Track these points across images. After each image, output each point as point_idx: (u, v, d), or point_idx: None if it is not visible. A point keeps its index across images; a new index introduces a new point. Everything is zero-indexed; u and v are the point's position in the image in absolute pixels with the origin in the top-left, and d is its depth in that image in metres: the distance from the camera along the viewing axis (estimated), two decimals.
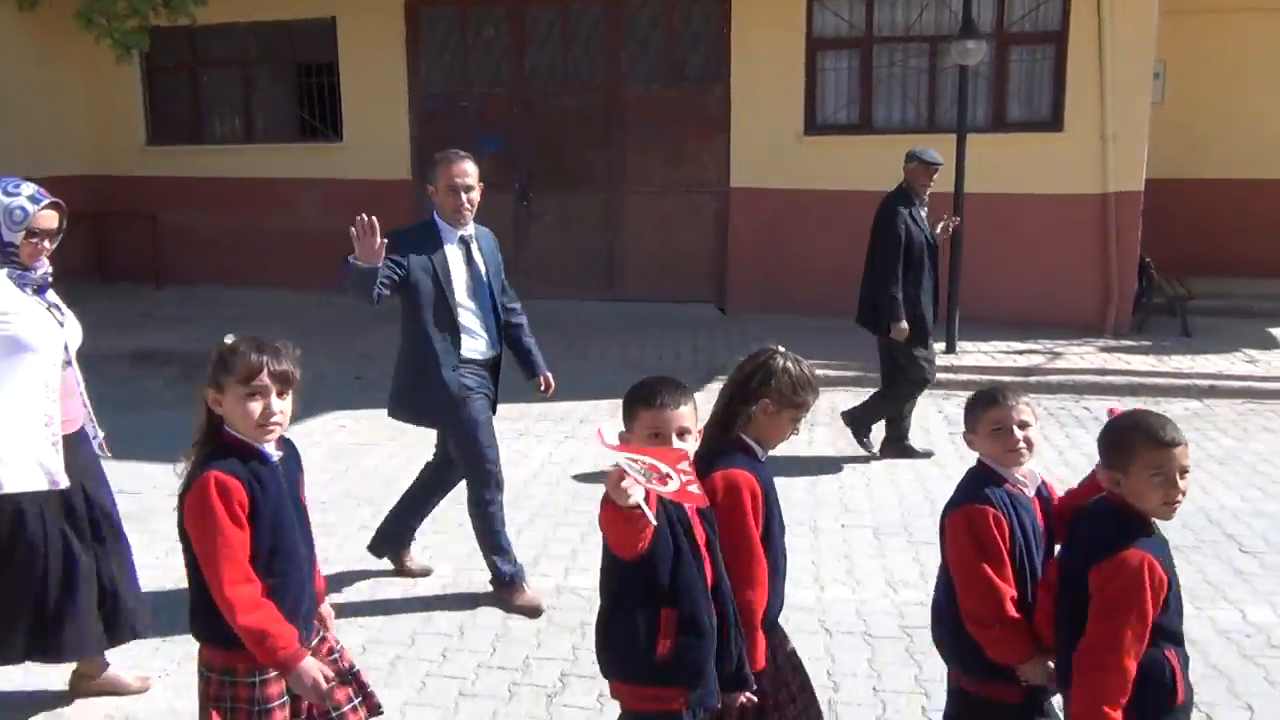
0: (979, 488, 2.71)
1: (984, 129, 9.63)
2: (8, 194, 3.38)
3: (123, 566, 3.70)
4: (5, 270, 3.38)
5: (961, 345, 8.84)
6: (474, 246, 4.43)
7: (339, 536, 5.32)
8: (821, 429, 7.22)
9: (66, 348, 3.53)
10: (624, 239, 10.97)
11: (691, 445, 2.46)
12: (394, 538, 4.84)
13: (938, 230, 6.58)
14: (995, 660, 2.62)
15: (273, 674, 2.50)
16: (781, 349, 2.85)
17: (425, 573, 4.83)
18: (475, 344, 4.39)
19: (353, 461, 6.49)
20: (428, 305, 4.27)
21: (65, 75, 11.72)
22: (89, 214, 11.78)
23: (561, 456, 6.58)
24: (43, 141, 11.28)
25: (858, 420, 6.65)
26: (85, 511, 3.58)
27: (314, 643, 2.67)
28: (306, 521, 2.66)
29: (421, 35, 11.10)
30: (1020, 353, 8.81)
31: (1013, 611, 2.58)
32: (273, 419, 2.48)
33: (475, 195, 4.35)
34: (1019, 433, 2.70)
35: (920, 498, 5.83)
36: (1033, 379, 8.21)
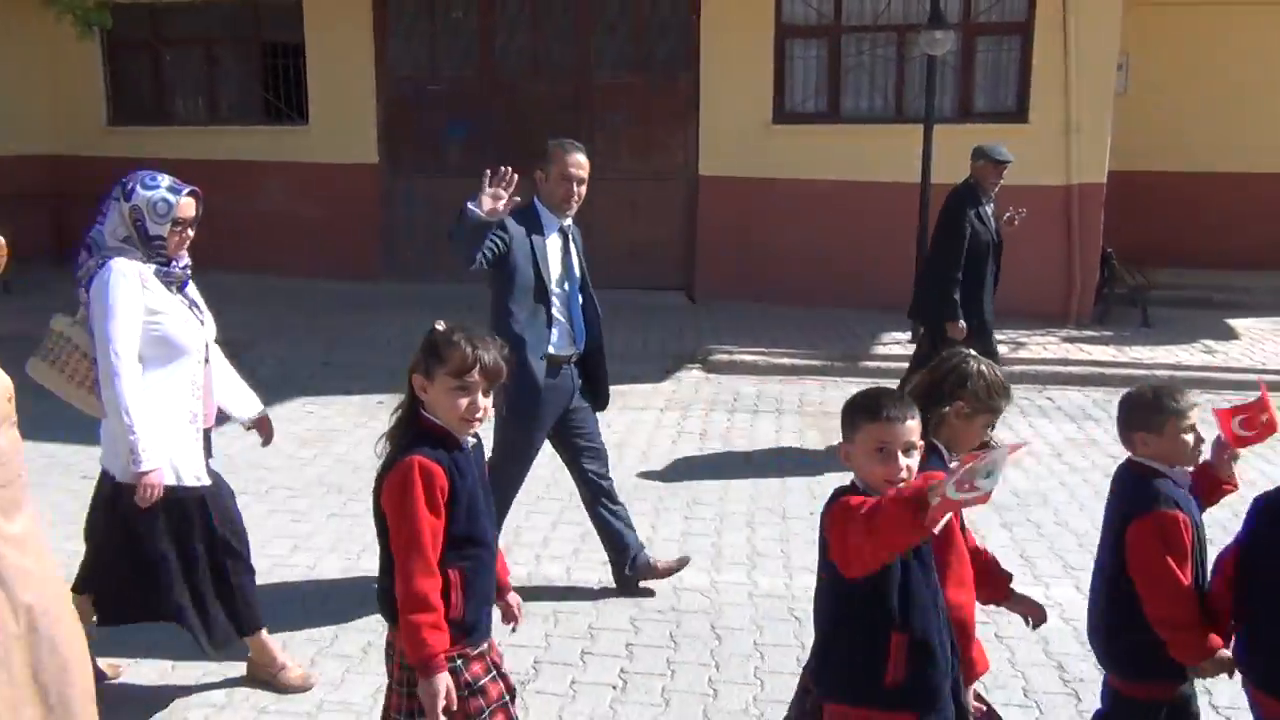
0: (1153, 491, 2.68)
1: (950, 119, 9.71)
2: (147, 187, 3.38)
3: (238, 568, 3.64)
4: (153, 268, 3.38)
5: None
6: (572, 238, 4.39)
7: (311, 524, 5.30)
8: (789, 417, 7.28)
9: (207, 345, 3.55)
10: (592, 226, 10.90)
11: (917, 461, 2.35)
12: (623, 565, 4.54)
13: (1004, 221, 6.53)
14: (1181, 660, 2.65)
15: (464, 661, 2.51)
16: (972, 352, 2.80)
17: (679, 565, 4.57)
18: (563, 338, 4.31)
19: (321, 448, 6.46)
20: (523, 291, 4.18)
21: (25, 53, 11.52)
22: (49, 195, 11.61)
23: None
24: (1, 120, 11.08)
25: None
26: (205, 512, 3.56)
27: (484, 647, 2.62)
28: (493, 508, 2.66)
29: (389, 17, 11.00)
30: None
31: (1198, 613, 2.63)
32: (477, 414, 2.48)
33: (584, 189, 4.30)
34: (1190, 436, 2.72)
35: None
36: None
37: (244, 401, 3.82)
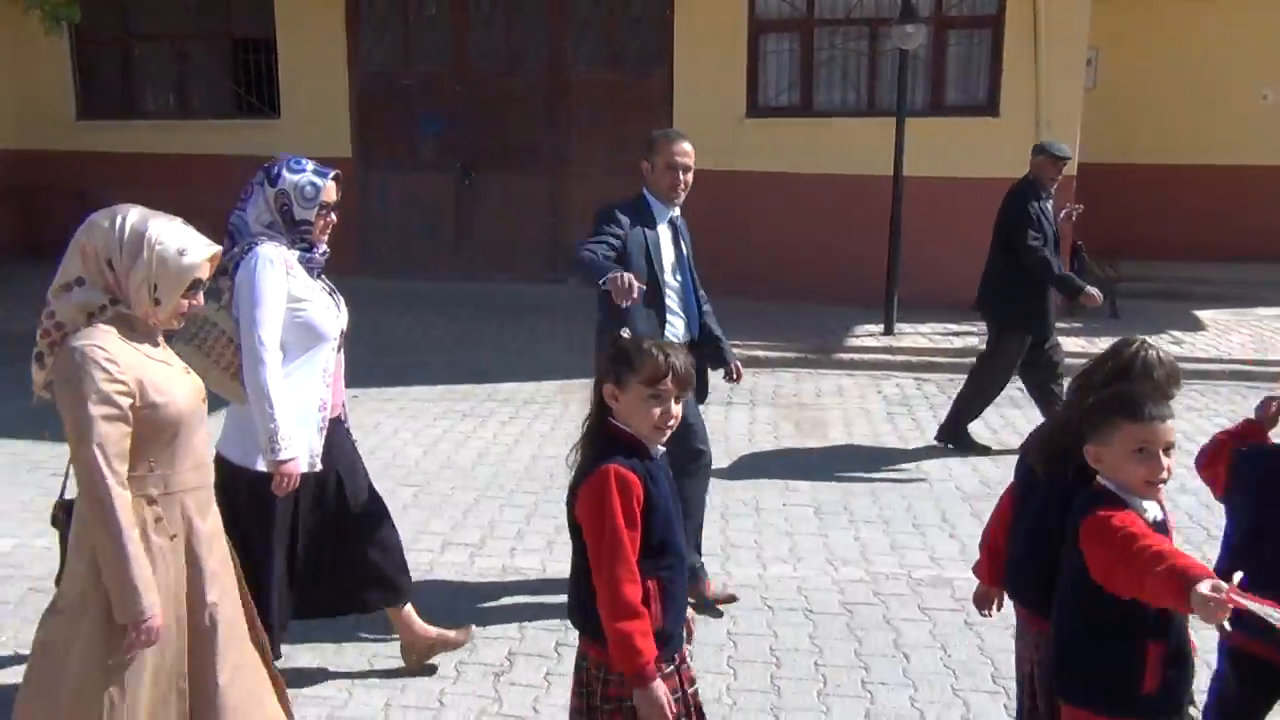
0: None
1: (922, 113, 9.77)
2: (294, 171, 3.37)
3: (385, 547, 3.67)
4: (296, 254, 3.36)
5: (900, 327, 9.00)
6: (680, 227, 4.39)
7: None
8: (763, 409, 7.33)
9: (342, 333, 3.53)
10: (568, 221, 10.95)
11: (1173, 462, 2.35)
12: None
13: (1061, 218, 6.52)
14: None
15: (667, 669, 2.46)
16: (1148, 340, 2.81)
17: (729, 599, 4.40)
18: (676, 326, 4.31)
19: None
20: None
21: None
22: (18, 189, 11.49)
23: (507, 438, 6.60)
24: None
25: (960, 417, 6.51)
26: (335, 496, 3.56)
27: (676, 662, 2.56)
28: (681, 517, 2.62)
29: (361, 12, 10.96)
30: (956, 334, 8.98)
31: None
32: (669, 422, 2.45)
33: (690, 176, 4.29)
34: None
35: (858, 476, 5.95)
36: (968, 360, 8.38)
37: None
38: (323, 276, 3.53)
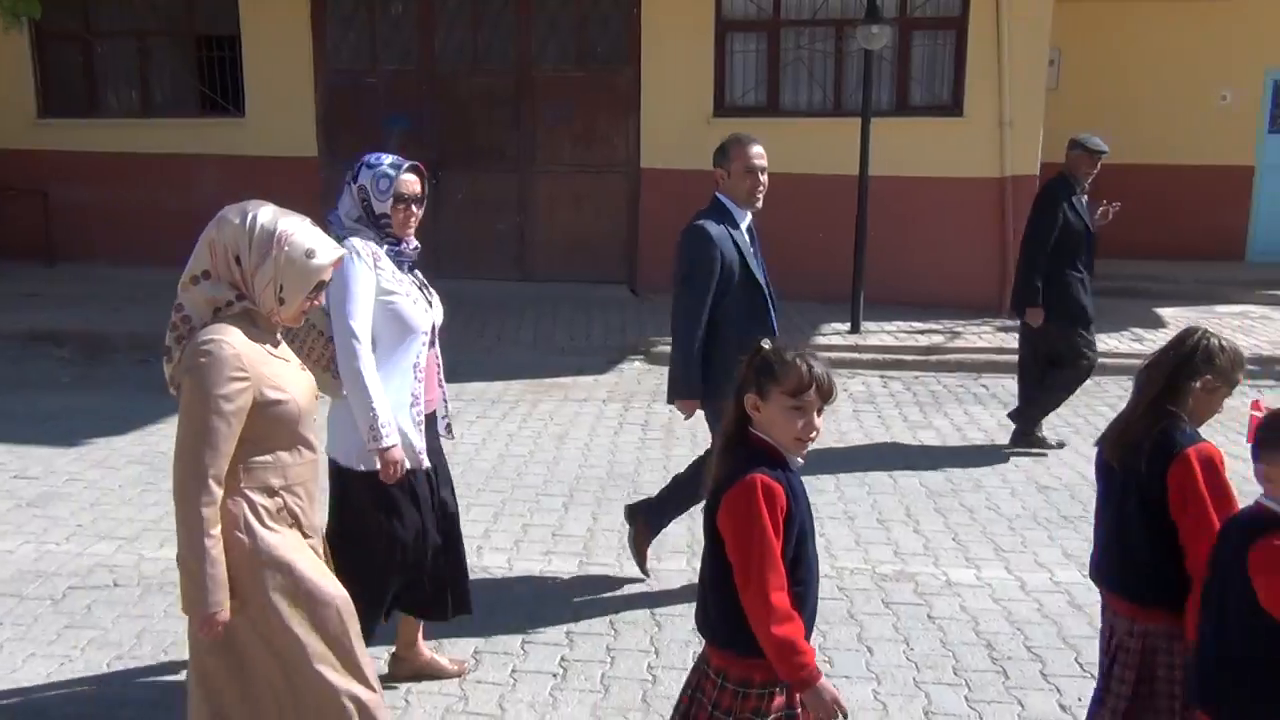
0: None
1: (887, 113, 9.84)
2: (371, 166, 3.39)
3: (454, 551, 3.68)
4: (385, 247, 3.36)
5: (866, 325, 9.06)
6: (753, 228, 4.40)
7: None
8: None
9: (434, 328, 3.53)
10: (535, 219, 10.95)
11: None
12: (648, 516, 4.60)
13: (1097, 216, 6.47)
14: None
15: (778, 688, 2.45)
16: (1210, 329, 2.85)
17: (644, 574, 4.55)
18: (777, 327, 4.36)
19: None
20: (741, 288, 4.22)
21: None
22: None
23: (474, 437, 6.58)
24: None
25: (1027, 418, 6.49)
26: (430, 494, 3.55)
27: None
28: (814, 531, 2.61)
29: (327, 9, 10.88)
30: (922, 332, 9.07)
31: None
32: (812, 434, 2.43)
33: (767, 177, 4.30)
34: None
35: (823, 473, 5.98)
36: (933, 358, 8.47)
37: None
38: (414, 270, 3.53)
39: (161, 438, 6.46)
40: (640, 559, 4.61)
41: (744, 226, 4.36)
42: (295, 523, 2.66)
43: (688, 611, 4.30)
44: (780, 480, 2.40)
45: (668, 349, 8.44)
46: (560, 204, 10.88)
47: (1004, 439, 6.63)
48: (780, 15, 10.30)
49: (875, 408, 7.34)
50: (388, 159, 3.42)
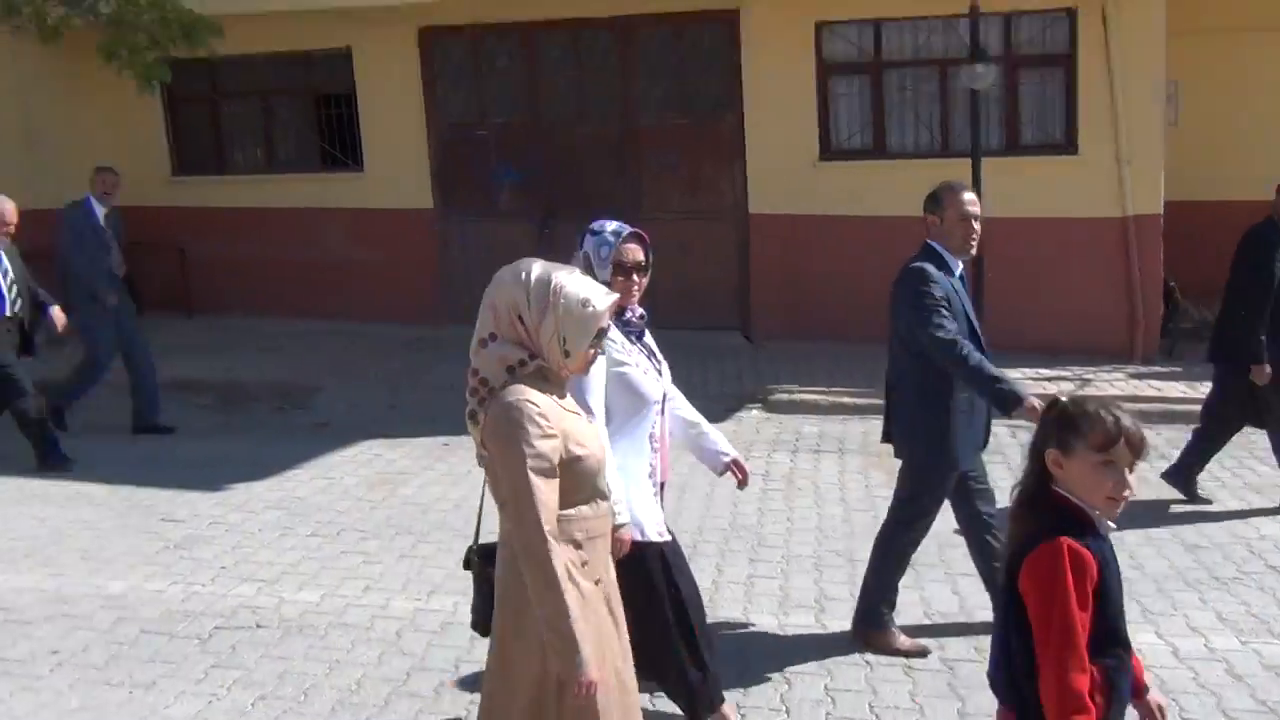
0: None
1: (997, 153, 9.70)
2: (594, 234, 3.44)
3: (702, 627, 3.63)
4: None
5: None
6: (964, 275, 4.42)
7: (382, 565, 5.43)
8: (852, 457, 7.28)
9: (665, 396, 3.56)
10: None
11: None
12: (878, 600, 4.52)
13: None
14: None
15: None
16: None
17: (922, 653, 4.39)
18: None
19: (389, 491, 6.60)
20: (962, 335, 4.20)
21: (91, 107, 11.89)
22: (123, 246, 11.91)
23: None
24: (71, 172, 11.40)
25: (1190, 468, 6.31)
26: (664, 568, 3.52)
27: None
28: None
29: (435, 64, 11.25)
30: (1049, 379, 8.71)
31: None
32: (1124, 492, 2.30)
33: (980, 224, 4.31)
34: None
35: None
36: None
37: (716, 444, 3.83)
38: (644, 339, 3.54)
39: (298, 484, 6.69)
40: (904, 648, 4.43)
41: (957, 274, 4.33)
42: (599, 579, 2.69)
43: (818, 670, 4.28)
44: (1091, 547, 2.27)
45: (787, 396, 8.54)
46: (668, 251, 10.85)
47: (1146, 492, 6.38)
48: (882, 56, 10.27)
49: (1004, 459, 7.12)
50: (610, 225, 3.43)
